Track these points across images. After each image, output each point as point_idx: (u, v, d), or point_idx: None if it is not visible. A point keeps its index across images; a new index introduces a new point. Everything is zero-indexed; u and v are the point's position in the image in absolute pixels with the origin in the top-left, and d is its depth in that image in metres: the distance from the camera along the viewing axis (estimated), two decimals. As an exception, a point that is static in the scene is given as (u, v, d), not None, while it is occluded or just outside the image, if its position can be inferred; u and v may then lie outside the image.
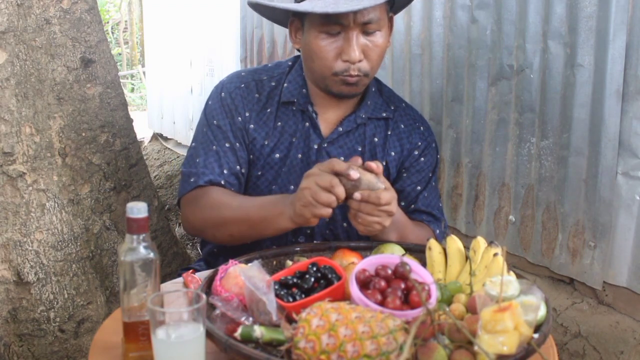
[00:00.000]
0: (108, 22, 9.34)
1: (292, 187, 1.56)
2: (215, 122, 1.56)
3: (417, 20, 2.26)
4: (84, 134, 1.94)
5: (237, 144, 1.54)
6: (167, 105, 5.03)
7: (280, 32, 3.24)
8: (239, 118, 1.56)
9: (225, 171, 1.52)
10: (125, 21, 9.38)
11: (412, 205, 1.59)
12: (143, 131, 5.41)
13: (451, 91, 2.15)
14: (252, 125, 1.55)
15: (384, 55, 1.51)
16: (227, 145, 1.54)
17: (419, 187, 1.60)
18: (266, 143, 1.55)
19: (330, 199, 1.24)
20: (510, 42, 1.90)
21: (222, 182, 1.51)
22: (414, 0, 2.19)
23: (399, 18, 2.28)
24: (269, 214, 1.39)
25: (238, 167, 1.54)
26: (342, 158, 1.55)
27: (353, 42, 1.41)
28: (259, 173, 1.57)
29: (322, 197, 1.24)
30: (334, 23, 1.40)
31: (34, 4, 1.81)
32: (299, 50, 1.54)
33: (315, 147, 1.55)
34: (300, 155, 1.56)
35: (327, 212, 1.26)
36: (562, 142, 1.78)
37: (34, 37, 1.81)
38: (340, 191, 1.24)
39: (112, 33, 9.34)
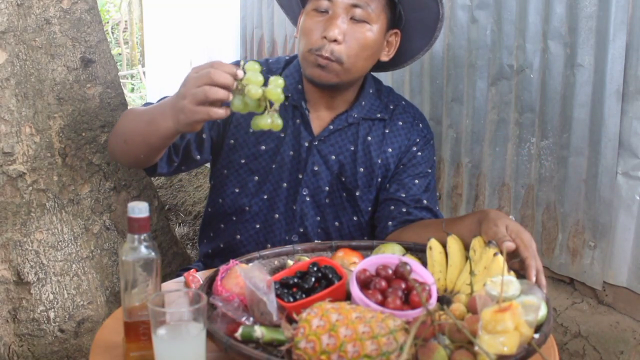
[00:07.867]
0: (108, 22, 9.32)
1: (285, 184, 1.56)
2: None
3: (417, 20, 2.26)
4: (84, 134, 1.94)
5: None
6: (167, 105, 5.02)
7: (280, 32, 3.23)
8: None
9: None
10: (125, 21, 9.37)
11: (418, 203, 1.56)
12: (143, 131, 5.39)
13: (451, 91, 2.15)
14: None
15: (368, 54, 1.48)
16: None
17: (416, 181, 1.58)
18: (251, 131, 1.52)
19: (209, 74, 1.19)
20: (510, 42, 1.90)
21: None
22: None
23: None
24: (154, 112, 1.32)
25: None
26: (334, 157, 1.56)
27: (335, 20, 1.41)
28: (243, 161, 1.56)
29: (199, 79, 1.21)
30: None
31: (34, 4, 1.81)
32: None
33: (306, 144, 1.54)
34: (291, 153, 1.55)
35: (202, 91, 1.19)
36: (562, 142, 1.78)
37: (34, 37, 1.81)
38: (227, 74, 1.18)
39: (112, 33, 9.33)
